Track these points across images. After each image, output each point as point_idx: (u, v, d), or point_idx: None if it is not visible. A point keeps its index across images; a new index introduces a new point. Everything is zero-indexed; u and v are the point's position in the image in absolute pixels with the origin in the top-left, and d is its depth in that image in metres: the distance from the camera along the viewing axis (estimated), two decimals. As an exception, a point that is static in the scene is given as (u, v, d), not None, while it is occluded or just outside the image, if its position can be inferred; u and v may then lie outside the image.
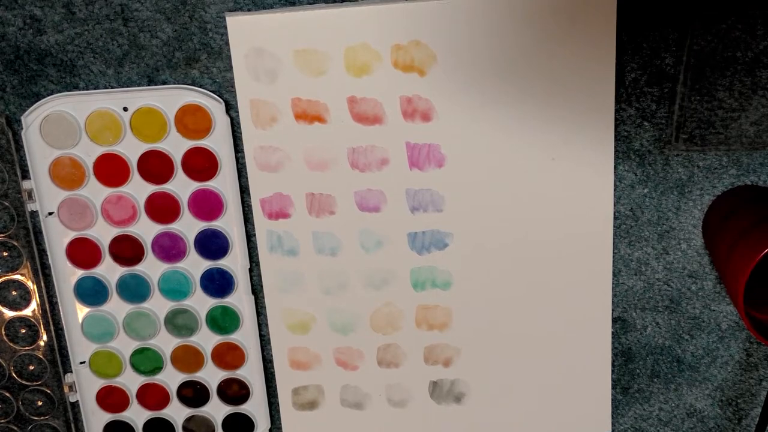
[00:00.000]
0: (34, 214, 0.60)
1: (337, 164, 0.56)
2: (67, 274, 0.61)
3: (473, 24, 0.52)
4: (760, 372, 0.59)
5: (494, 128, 0.54)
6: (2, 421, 0.66)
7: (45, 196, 0.59)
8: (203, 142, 0.57)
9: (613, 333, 0.59)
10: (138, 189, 0.58)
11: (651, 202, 0.56)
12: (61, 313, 0.62)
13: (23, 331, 0.64)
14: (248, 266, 0.60)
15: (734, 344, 0.58)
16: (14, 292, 0.63)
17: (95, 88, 0.57)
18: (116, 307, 0.62)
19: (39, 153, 0.58)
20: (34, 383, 0.65)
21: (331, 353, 0.61)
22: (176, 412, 0.64)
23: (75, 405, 0.65)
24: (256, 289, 0.61)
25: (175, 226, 0.59)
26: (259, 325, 0.62)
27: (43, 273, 0.62)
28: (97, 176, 0.58)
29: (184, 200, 0.58)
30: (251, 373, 0.62)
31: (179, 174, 0.58)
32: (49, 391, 0.65)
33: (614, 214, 0.56)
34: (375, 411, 0.63)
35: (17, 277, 0.62)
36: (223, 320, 0.61)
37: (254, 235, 0.59)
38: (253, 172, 0.57)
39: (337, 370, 0.61)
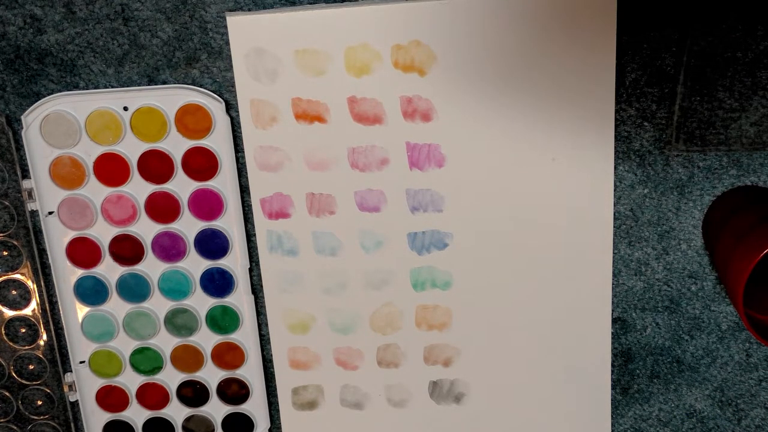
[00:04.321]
0: (34, 214, 0.60)
1: (337, 164, 0.56)
2: (67, 274, 0.61)
3: (473, 24, 0.52)
4: (760, 372, 0.59)
5: (494, 128, 0.54)
6: (2, 420, 0.66)
7: (45, 195, 0.59)
8: (203, 142, 0.57)
9: (613, 333, 0.59)
10: (138, 189, 0.58)
11: (651, 203, 0.56)
12: (61, 312, 0.62)
13: (23, 330, 0.64)
14: (248, 266, 0.60)
15: (734, 345, 0.58)
16: (14, 292, 0.63)
17: (95, 88, 0.57)
18: (116, 306, 0.62)
19: (39, 153, 0.58)
20: (34, 383, 0.65)
21: (331, 353, 0.61)
22: (176, 412, 0.64)
23: (75, 404, 0.65)
24: (256, 289, 0.61)
25: (175, 226, 0.59)
26: (259, 325, 0.62)
27: (43, 272, 0.62)
28: (97, 176, 0.58)
29: (184, 200, 0.58)
30: (251, 372, 0.62)
31: (179, 174, 0.58)
32: (48, 391, 0.65)
33: (614, 214, 0.56)
34: (375, 411, 0.62)
35: (17, 276, 0.62)
36: (223, 320, 0.61)
37: (254, 235, 0.59)
38: (253, 172, 0.57)
39: (337, 370, 0.61)
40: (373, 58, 0.53)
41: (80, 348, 0.63)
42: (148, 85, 0.57)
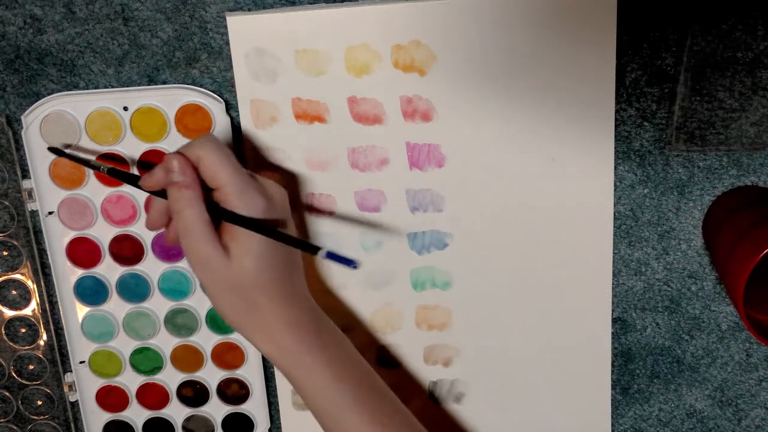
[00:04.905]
0: (34, 214, 0.60)
1: (337, 164, 0.56)
2: (67, 274, 0.61)
3: (473, 24, 0.52)
4: (760, 372, 0.59)
5: (494, 128, 0.54)
6: (2, 420, 0.66)
7: (45, 195, 0.59)
8: (203, 142, 0.57)
9: (613, 333, 0.59)
10: (138, 188, 0.58)
11: (651, 203, 0.56)
12: (61, 312, 0.62)
13: (23, 330, 0.64)
14: (248, 266, 0.60)
15: (734, 345, 0.58)
16: (14, 292, 0.63)
17: (95, 88, 0.57)
18: (116, 306, 0.62)
19: (39, 153, 0.58)
20: (34, 383, 0.65)
21: (331, 353, 0.61)
22: (176, 412, 0.64)
23: (75, 404, 0.65)
24: (256, 289, 0.61)
25: (175, 226, 0.59)
26: (259, 324, 0.62)
27: (43, 272, 0.62)
28: (97, 176, 0.58)
29: (184, 200, 0.58)
30: (251, 372, 0.62)
31: (179, 174, 0.58)
32: (48, 391, 0.65)
33: (614, 214, 0.56)
34: (375, 411, 0.62)
35: (17, 276, 0.62)
36: (223, 320, 0.61)
37: (254, 234, 0.59)
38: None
39: (336, 370, 0.61)
40: (373, 58, 0.53)
41: (80, 348, 0.63)
42: (148, 85, 0.57)
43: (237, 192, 0.45)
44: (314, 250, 0.43)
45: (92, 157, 0.56)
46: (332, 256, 0.42)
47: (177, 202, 0.46)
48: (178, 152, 0.46)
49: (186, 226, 0.46)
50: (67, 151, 0.55)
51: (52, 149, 0.55)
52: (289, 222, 0.50)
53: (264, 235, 0.45)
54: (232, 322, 0.49)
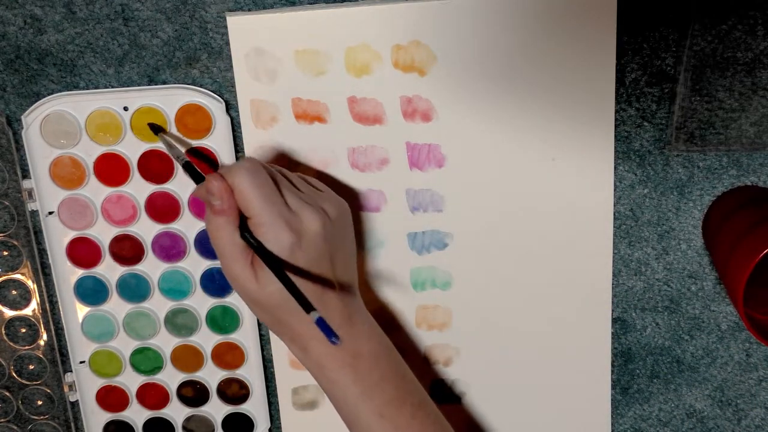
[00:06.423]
0: (34, 214, 0.60)
1: (337, 164, 0.56)
2: (67, 274, 0.61)
3: (473, 24, 0.52)
4: (760, 372, 0.59)
5: (494, 128, 0.54)
6: (2, 420, 0.66)
7: (45, 195, 0.59)
8: (203, 142, 0.57)
9: (612, 333, 0.59)
10: (138, 188, 0.58)
11: (651, 203, 0.56)
12: (61, 312, 0.62)
13: (23, 330, 0.64)
14: (248, 266, 0.60)
15: (734, 345, 0.58)
16: (14, 292, 0.63)
17: (95, 88, 0.57)
18: (116, 306, 0.62)
19: (39, 153, 0.58)
20: (34, 383, 0.65)
21: (331, 353, 0.61)
22: (176, 412, 0.64)
23: (75, 404, 0.65)
24: (256, 289, 0.61)
25: (175, 226, 0.59)
26: (259, 324, 0.62)
27: (43, 272, 0.62)
28: (98, 176, 0.58)
29: (184, 200, 0.58)
30: (251, 372, 0.62)
31: (179, 174, 0.58)
32: (48, 391, 0.65)
33: (614, 214, 0.56)
34: (375, 411, 0.62)
35: (17, 276, 0.62)
36: (222, 320, 0.61)
37: (254, 234, 0.59)
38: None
39: (336, 370, 0.61)
40: (373, 58, 0.53)
41: (80, 348, 0.63)
42: (148, 85, 0.57)
43: (264, 224, 0.46)
44: (308, 309, 0.42)
45: (181, 148, 0.56)
46: (320, 323, 0.41)
47: (209, 223, 0.47)
48: (219, 174, 0.46)
49: (217, 246, 0.47)
50: (166, 136, 0.56)
51: (151, 125, 0.56)
52: (328, 258, 0.49)
53: (273, 272, 0.45)
54: (267, 327, 0.52)
